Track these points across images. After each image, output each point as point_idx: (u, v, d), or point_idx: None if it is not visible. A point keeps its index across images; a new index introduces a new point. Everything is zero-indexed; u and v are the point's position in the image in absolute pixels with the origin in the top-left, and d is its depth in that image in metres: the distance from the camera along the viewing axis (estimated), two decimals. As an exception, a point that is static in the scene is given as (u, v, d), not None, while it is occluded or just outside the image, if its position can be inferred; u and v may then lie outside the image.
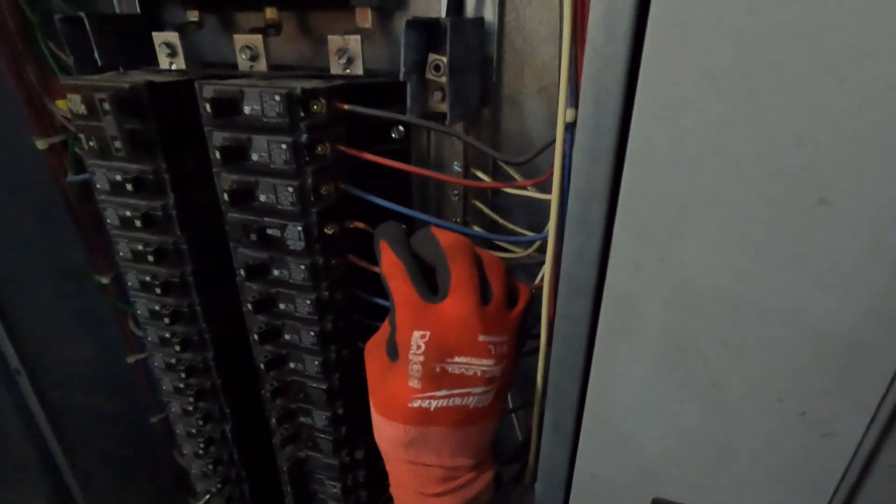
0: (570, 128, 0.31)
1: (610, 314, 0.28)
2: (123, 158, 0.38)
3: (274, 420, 0.45)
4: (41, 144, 0.51)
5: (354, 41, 0.39)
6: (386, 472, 0.38)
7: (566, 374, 0.31)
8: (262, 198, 0.36)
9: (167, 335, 0.46)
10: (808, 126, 0.21)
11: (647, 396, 0.30)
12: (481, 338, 0.32)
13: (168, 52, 0.44)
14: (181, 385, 0.48)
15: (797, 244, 0.23)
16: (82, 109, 0.37)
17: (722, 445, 0.29)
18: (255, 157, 0.35)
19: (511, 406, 0.51)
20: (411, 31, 0.35)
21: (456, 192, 0.44)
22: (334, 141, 0.36)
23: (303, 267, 0.37)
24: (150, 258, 0.41)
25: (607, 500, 0.34)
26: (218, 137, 0.35)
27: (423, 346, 0.31)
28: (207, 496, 0.56)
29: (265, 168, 0.35)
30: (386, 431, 0.34)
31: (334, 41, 0.40)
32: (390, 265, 0.33)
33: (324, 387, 0.42)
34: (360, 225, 0.39)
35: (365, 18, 0.42)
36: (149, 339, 0.47)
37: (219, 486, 0.54)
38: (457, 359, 0.32)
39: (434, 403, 0.32)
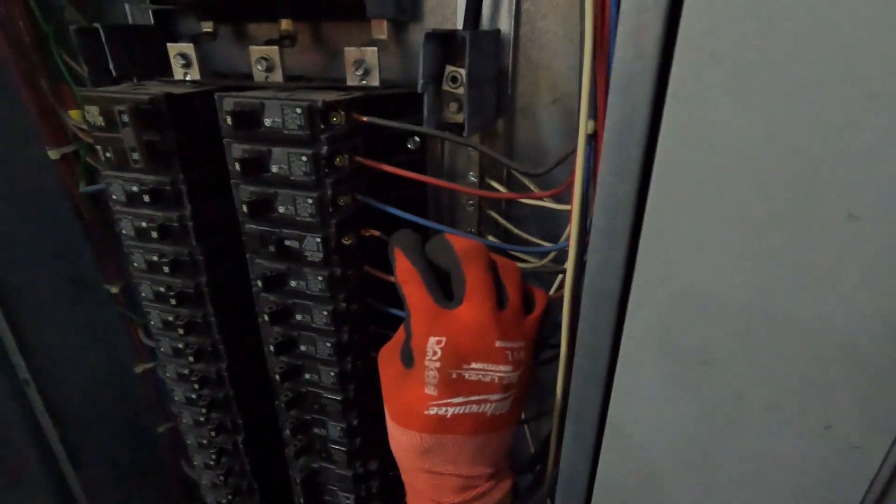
0: (590, 140, 0.31)
1: (634, 326, 0.28)
2: (141, 170, 0.38)
3: (288, 431, 0.45)
4: (53, 154, 0.51)
5: (371, 53, 0.39)
6: (401, 483, 0.38)
7: (589, 385, 0.31)
8: (281, 209, 0.36)
9: (180, 346, 0.46)
10: (838, 142, 0.21)
11: (670, 408, 0.30)
12: (498, 343, 0.32)
13: (183, 62, 0.44)
14: (193, 396, 0.48)
15: (825, 258, 0.23)
16: (100, 121, 0.38)
17: (744, 458, 0.29)
18: (274, 168, 0.35)
19: (524, 416, 0.51)
20: (430, 43, 0.35)
21: (471, 202, 0.44)
22: (352, 152, 0.36)
23: (320, 278, 0.37)
24: (166, 269, 0.41)
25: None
26: (237, 149, 0.35)
27: (439, 353, 0.31)
28: (217, 507, 0.55)
29: (284, 180, 0.35)
30: (401, 440, 0.34)
31: (351, 53, 0.40)
32: (404, 272, 0.33)
33: (339, 398, 0.42)
34: (376, 233, 0.39)
35: (381, 30, 0.42)
36: (161, 349, 0.47)
37: (229, 497, 0.53)
38: (473, 365, 0.32)
39: (451, 411, 0.32)
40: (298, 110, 0.32)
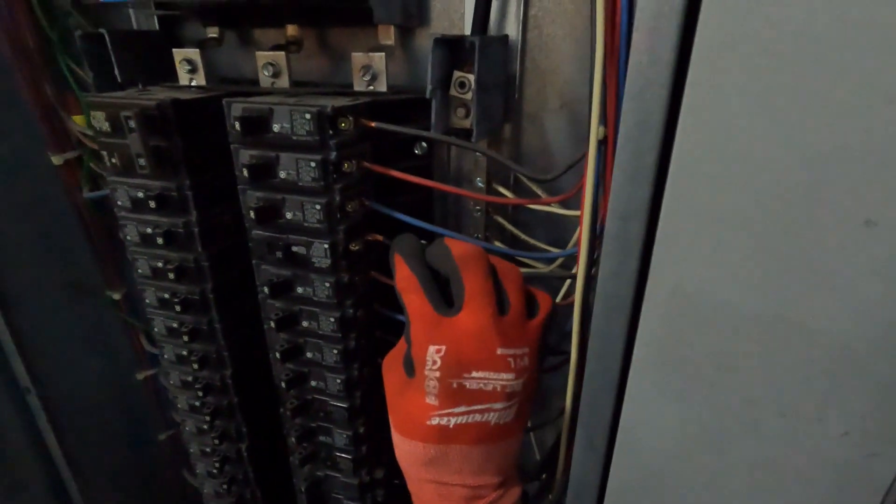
0: (599, 145, 0.31)
1: (647, 332, 0.28)
2: (147, 175, 0.37)
3: (293, 439, 0.44)
4: (56, 160, 0.50)
5: (378, 58, 0.39)
6: (407, 491, 0.38)
7: (601, 392, 0.31)
8: (289, 215, 0.35)
9: (184, 353, 0.45)
10: (856, 147, 0.21)
11: (683, 415, 0.29)
12: (500, 351, 0.31)
13: (188, 68, 0.44)
14: (197, 403, 0.47)
15: (842, 265, 0.23)
16: (106, 126, 0.37)
17: (760, 466, 0.29)
18: (282, 174, 0.34)
19: (529, 424, 0.51)
20: (438, 48, 0.35)
21: (478, 207, 0.44)
22: (360, 158, 0.36)
23: (328, 284, 0.37)
24: (171, 275, 0.40)
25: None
26: (245, 155, 0.35)
27: (438, 362, 0.31)
28: (220, 516, 0.55)
29: (292, 185, 0.34)
30: (405, 450, 0.34)
31: (358, 58, 0.40)
32: (404, 279, 0.33)
33: (345, 405, 0.42)
34: (379, 238, 0.39)
35: (388, 35, 0.42)
36: (165, 356, 0.47)
37: (232, 505, 0.53)
38: (474, 373, 0.31)
39: (453, 421, 0.32)
40: (308, 116, 0.32)
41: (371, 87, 0.40)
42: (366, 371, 0.42)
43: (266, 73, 0.42)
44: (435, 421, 0.31)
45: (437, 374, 0.31)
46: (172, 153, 0.37)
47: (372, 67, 0.40)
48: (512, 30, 0.40)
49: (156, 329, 0.45)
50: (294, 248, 0.36)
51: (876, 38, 0.20)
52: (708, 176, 0.24)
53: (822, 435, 0.27)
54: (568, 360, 0.38)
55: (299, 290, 0.38)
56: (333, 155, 0.33)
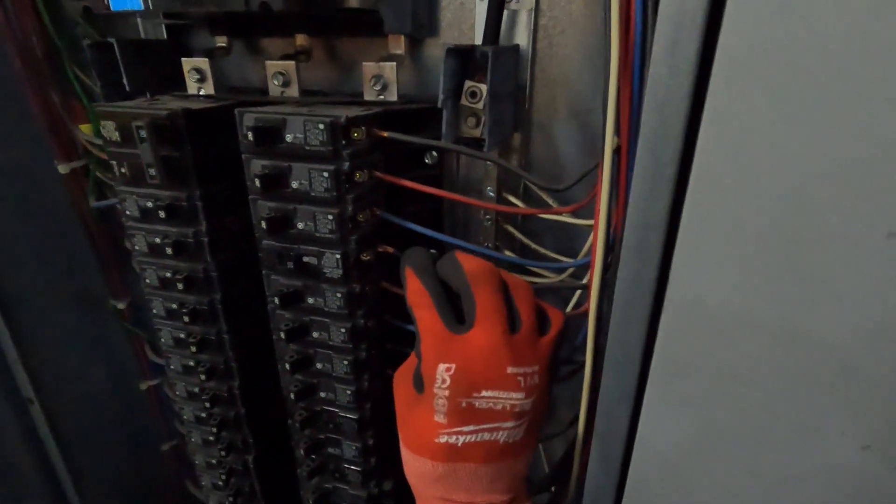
0: (612, 156, 0.31)
1: (666, 343, 0.28)
2: (157, 185, 0.37)
3: (301, 451, 0.44)
4: (63, 169, 0.50)
5: (389, 68, 0.39)
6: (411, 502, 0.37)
7: (617, 404, 0.31)
8: (300, 225, 0.35)
9: (191, 363, 0.45)
10: (880, 160, 0.21)
11: (702, 428, 0.29)
12: (510, 370, 0.31)
13: (197, 77, 0.44)
14: (203, 414, 0.47)
15: (865, 278, 0.23)
16: (116, 136, 0.37)
17: (780, 478, 0.29)
18: (294, 184, 0.34)
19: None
20: (450, 58, 0.35)
21: (488, 216, 0.44)
22: (372, 167, 0.36)
23: (339, 295, 0.37)
24: (180, 285, 0.40)
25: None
26: (257, 165, 0.34)
27: (448, 380, 0.30)
28: (225, 529, 0.54)
29: (304, 196, 0.34)
30: (414, 466, 0.33)
31: (369, 68, 0.40)
32: (415, 293, 0.32)
33: (355, 416, 0.41)
34: (390, 249, 0.39)
35: (398, 45, 0.42)
36: (171, 367, 0.46)
37: (238, 518, 0.52)
38: (484, 393, 0.31)
39: (462, 439, 0.31)
40: (321, 126, 0.32)
41: (381, 97, 0.40)
42: (376, 382, 0.41)
43: (276, 83, 0.42)
44: (443, 439, 0.31)
45: (447, 392, 0.30)
46: (183, 163, 0.37)
47: (383, 77, 0.40)
48: (522, 39, 0.40)
49: (163, 339, 0.45)
50: (305, 259, 0.36)
51: (901, 51, 0.19)
52: (729, 188, 0.24)
53: (842, 448, 0.26)
54: (577, 371, 0.38)
55: (310, 300, 0.38)
56: (346, 165, 0.33)
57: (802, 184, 0.23)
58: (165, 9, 0.33)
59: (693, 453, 0.30)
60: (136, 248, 0.41)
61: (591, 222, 0.40)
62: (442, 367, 0.30)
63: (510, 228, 0.45)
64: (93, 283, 0.57)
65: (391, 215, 0.38)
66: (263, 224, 0.35)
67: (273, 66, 0.42)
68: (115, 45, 0.42)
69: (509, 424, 0.32)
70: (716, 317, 0.26)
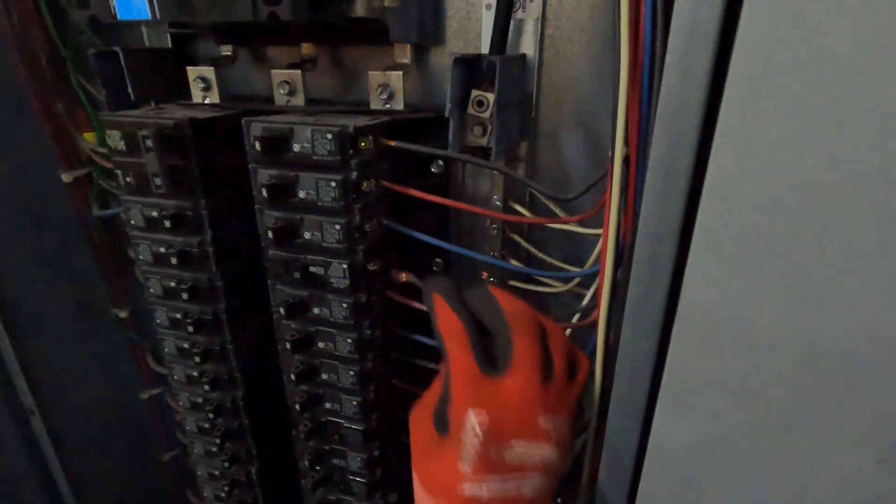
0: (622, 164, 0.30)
1: (678, 356, 0.28)
2: (162, 195, 0.37)
3: (306, 462, 0.43)
4: (66, 177, 0.50)
5: (396, 77, 0.39)
6: None
7: (628, 417, 0.31)
8: (307, 235, 0.35)
9: (195, 374, 0.44)
10: (894, 172, 0.21)
11: (716, 441, 0.29)
12: (542, 420, 0.29)
13: (203, 86, 0.44)
14: (206, 425, 0.46)
15: (879, 292, 0.23)
16: (121, 145, 0.37)
17: (795, 492, 0.28)
18: (301, 194, 0.34)
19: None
20: (458, 67, 0.35)
21: (494, 225, 0.44)
22: (379, 177, 0.36)
23: (345, 305, 0.36)
24: (184, 295, 0.40)
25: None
26: (264, 175, 0.34)
27: (478, 428, 0.28)
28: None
29: (312, 205, 0.34)
30: None
31: (376, 77, 0.40)
32: (449, 324, 0.31)
33: (361, 427, 0.41)
34: (409, 278, 0.38)
35: (404, 54, 0.42)
36: (175, 377, 0.46)
37: (240, 530, 0.52)
38: (514, 444, 0.29)
39: (487, 491, 0.29)
40: (329, 136, 0.32)
41: (388, 106, 0.40)
42: (381, 393, 0.41)
43: (282, 91, 0.42)
44: (468, 490, 0.29)
45: (475, 441, 0.28)
46: (188, 172, 0.37)
47: (389, 86, 0.40)
48: (529, 48, 0.40)
49: (166, 349, 0.45)
50: (312, 269, 0.36)
51: (918, 63, 0.19)
52: (742, 199, 0.24)
53: (858, 461, 0.26)
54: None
55: (315, 310, 0.38)
56: (354, 175, 0.33)
57: (816, 196, 0.22)
58: (172, 18, 0.33)
59: (705, 465, 0.30)
60: (141, 257, 0.41)
61: (598, 231, 0.40)
62: (472, 413, 0.28)
63: (516, 237, 0.45)
64: (95, 292, 0.57)
65: (399, 225, 0.38)
66: (270, 234, 0.35)
67: (279, 74, 0.42)
68: (121, 54, 0.42)
69: (536, 477, 0.30)
70: (728, 328, 0.26)
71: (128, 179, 0.38)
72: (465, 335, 0.30)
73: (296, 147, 0.33)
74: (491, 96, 0.36)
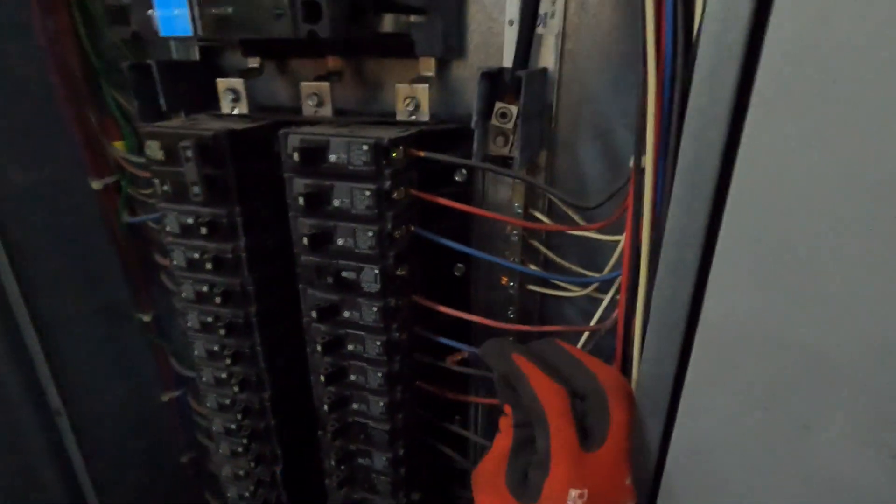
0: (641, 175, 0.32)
1: (701, 358, 0.29)
2: (200, 202, 0.38)
3: (332, 461, 0.45)
4: (96, 185, 0.51)
5: (422, 90, 0.41)
6: None
7: (651, 417, 0.32)
8: (340, 242, 0.36)
9: (224, 375, 0.46)
10: (910, 183, 0.23)
11: (738, 439, 0.30)
12: (628, 481, 0.30)
13: (232, 97, 0.46)
14: (233, 426, 0.48)
15: (891, 292, 0.24)
16: (160, 155, 0.38)
17: (815, 487, 0.30)
18: (336, 202, 0.36)
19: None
20: (484, 81, 0.37)
21: (515, 231, 0.45)
22: (408, 185, 0.37)
23: (375, 308, 0.38)
24: (217, 299, 0.41)
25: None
26: (300, 184, 0.36)
27: None
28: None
29: (346, 213, 0.36)
30: None
31: (402, 89, 0.41)
32: (549, 394, 0.30)
33: (387, 427, 0.42)
34: (464, 354, 0.41)
35: (428, 67, 0.43)
36: (203, 378, 0.47)
37: (263, 529, 0.53)
38: None
39: None
40: (365, 147, 0.33)
41: (413, 117, 0.42)
42: (407, 394, 0.42)
43: (311, 103, 0.43)
44: None
45: None
46: (225, 181, 0.38)
47: (415, 98, 0.41)
48: (549, 62, 0.42)
49: (196, 352, 0.46)
50: (344, 274, 0.37)
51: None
52: (764, 210, 0.25)
53: (873, 457, 0.27)
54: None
55: (346, 314, 0.39)
56: (387, 184, 0.35)
57: (834, 207, 0.24)
58: (214, 35, 0.35)
59: (727, 464, 0.31)
60: (175, 262, 0.42)
61: (615, 238, 0.41)
62: (574, 492, 0.28)
63: (535, 243, 0.46)
64: (120, 297, 0.58)
65: (425, 231, 0.39)
66: (305, 241, 0.36)
67: (308, 87, 0.43)
68: (154, 67, 0.44)
69: None
70: (749, 332, 0.28)
71: (165, 188, 0.39)
72: (568, 405, 0.30)
73: (332, 158, 0.34)
74: (514, 108, 0.38)
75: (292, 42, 0.47)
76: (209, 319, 0.43)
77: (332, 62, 0.46)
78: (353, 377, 0.41)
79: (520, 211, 0.44)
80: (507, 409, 0.33)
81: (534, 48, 0.42)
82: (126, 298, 0.58)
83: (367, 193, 0.34)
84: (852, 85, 0.22)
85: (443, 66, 0.45)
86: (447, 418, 0.47)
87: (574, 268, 0.46)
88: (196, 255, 0.41)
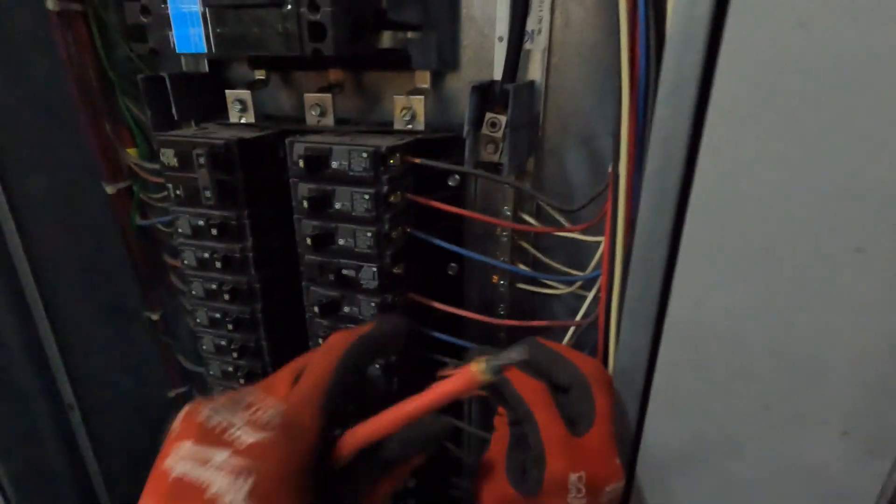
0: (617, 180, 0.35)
1: (670, 347, 0.32)
2: (211, 206, 0.41)
3: (332, 450, 0.47)
4: (110, 189, 0.54)
5: (418, 101, 0.44)
6: (438, 498, 0.39)
7: (628, 402, 0.35)
8: (341, 241, 0.39)
9: (230, 369, 0.48)
10: (850, 185, 0.25)
11: (701, 420, 0.33)
12: (617, 460, 0.32)
13: (240, 107, 0.49)
14: (239, 417, 0.50)
15: (837, 289, 0.27)
16: (174, 162, 0.41)
17: (774, 464, 0.32)
18: (337, 205, 0.38)
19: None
20: (475, 94, 0.40)
21: (505, 233, 0.48)
22: (404, 190, 0.40)
23: (373, 304, 0.41)
24: (226, 296, 0.44)
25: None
26: (304, 188, 0.39)
27: (583, 489, 0.30)
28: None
29: (346, 215, 0.38)
30: None
31: (400, 100, 0.44)
32: (530, 390, 0.32)
33: (384, 417, 0.45)
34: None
35: (424, 80, 0.46)
36: (211, 372, 0.50)
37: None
38: (607, 489, 0.31)
39: None
40: (364, 154, 0.36)
41: (410, 126, 0.45)
42: (403, 386, 0.45)
43: (314, 113, 0.46)
44: None
45: (584, 500, 0.30)
46: (234, 186, 0.41)
47: (411, 108, 0.44)
48: (536, 76, 0.45)
49: (204, 347, 0.49)
50: (344, 272, 0.40)
51: (861, 93, 0.24)
52: (721, 213, 0.28)
53: (825, 434, 0.30)
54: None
55: (346, 309, 0.42)
56: (385, 188, 0.37)
57: (784, 207, 0.27)
58: (227, 52, 0.38)
59: (695, 441, 0.34)
60: (186, 262, 0.45)
61: (598, 239, 0.44)
62: (574, 476, 0.30)
63: (524, 244, 0.49)
64: (129, 296, 0.61)
65: (420, 232, 0.42)
66: (308, 241, 0.39)
67: (311, 98, 0.46)
68: (167, 79, 0.47)
69: None
70: (713, 322, 0.30)
71: (178, 192, 0.42)
72: (549, 398, 0.32)
73: (334, 164, 0.37)
74: (503, 118, 0.41)
75: (297, 57, 0.50)
76: (217, 316, 0.46)
77: (334, 75, 0.49)
78: (352, 369, 0.44)
79: (509, 214, 0.47)
80: (501, 409, 0.36)
81: (522, 62, 0.45)
82: (135, 297, 0.61)
83: (366, 197, 0.37)
84: (797, 100, 0.25)
85: (438, 78, 0.48)
86: (443, 409, 0.50)
87: (561, 267, 0.49)
88: (206, 255, 0.44)
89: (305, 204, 0.38)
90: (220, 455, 0.24)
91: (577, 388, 0.33)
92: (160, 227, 0.56)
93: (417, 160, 0.40)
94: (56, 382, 0.56)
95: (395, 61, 0.45)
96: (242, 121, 0.49)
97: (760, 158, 0.26)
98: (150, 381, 0.66)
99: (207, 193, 0.40)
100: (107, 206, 0.56)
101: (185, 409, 0.27)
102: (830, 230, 0.26)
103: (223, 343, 0.47)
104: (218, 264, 0.43)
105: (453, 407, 0.53)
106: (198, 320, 0.47)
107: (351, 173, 0.37)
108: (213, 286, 0.45)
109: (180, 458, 0.24)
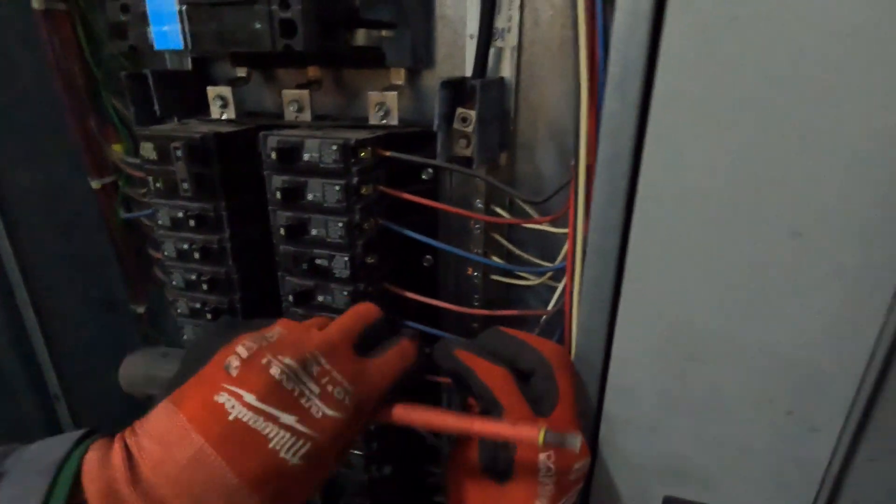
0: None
1: (624, 328, 0.33)
2: (188, 198, 0.43)
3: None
4: (95, 184, 0.55)
5: (391, 97, 0.45)
6: (415, 486, 0.41)
7: (586, 380, 0.36)
8: (314, 232, 0.41)
9: (211, 359, 0.49)
10: (786, 173, 0.27)
11: (660, 399, 0.34)
12: (581, 437, 0.33)
13: (221, 103, 0.50)
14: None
15: (776, 271, 0.29)
16: (153, 155, 0.43)
17: (723, 444, 0.34)
18: (309, 196, 0.40)
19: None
20: (444, 90, 0.41)
21: (478, 226, 0.49)
22: (376, 182, 0.42)
23: (346, 293, 0.42)
24: (204, 286, 0.45)
25: (622, 497, 0.38)
26: (277, 180, 0.40)
27: (552, 468, 0.31)
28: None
29: (318, 206, 0.40)
30: None
31: (374, 96, 0.45)
32: (492, 375, 0.33)
33: (359, 404, 0.46)
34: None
35: (399, 76, 0.48)
36: (192, 362, 0.51)
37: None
38: (575, 466, 0.32)
39: None
40: (334, 147, 0.37)
41: (384, 121, 0.46)
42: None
43: (291, 109, 0.48)
44: None
45: (554, 478, 0.31)
46: (212, 178, 0.42)
47: (385, 104, 0.45)
48: (507, 72, 0.46)
49: (185, 336, 0.50)
50: (318, 261, 0.41)
51: (795, 89, 0.25)
52: (666, 200, 0.29)
53: (772, 413, 0.32)
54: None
55: (320, 298, 0.43)
56: (355, 180, 0.39)
57: (721, 193, 0.28)
58: (203, 48, 0.39)
59: (651, 421, 0.35)
60: (166, 253, 0.46)
61: (566, 230, 0.46)
62: (542, 456, 0.31)
63: (497, 236, 0.50)
64: (115, 289, 0.62)
65: (393, 224, 0.43)
66: (282, 231, 0.40)
67: (289, 94, 0.48)
68: (150, 76, 0.48)
69: (579, 487, 0.34)
70: (665, 302, 0.32)
71: (157, 185, 0.44)
72: (513, 384, 0.33)
73: (305, 157, 0.39)
74: (473, 113, 0.42)
75: (276, 54, 0.51)
76: (197, 305, 0.47)
77: (312, 72, 0.50)
78: (328, 357, 0.45)
79: (481, 207, 0.48)
80: (471, 400, 0.37)
81: (493, 59, 0.46)
82: (120, 292, 0.62)
83: (337, 188, 0.38)
84: (729, 97, 0.26)
85: (413, 75, 0.50)
86: (418, 398, 0.51)
87: (534, 259, 0.50)
88: (185, 246, 0.45)
89: (279, 195, 0.39)
90: (289, 418, 0.27)
91: (539, 370, 0.34)
92: (144, 221, 0.57)
93: (388, 153, 0.41)
94: (43, 374, 0.57)
95: (371, 59, 0.46)
96: (224, 117, 0.51)
97: (701, 148, 0.28)
98: (136, 373, 0.67)
99: (185, 186, 0.41)
100: (93, 201, 0.57)
101: (245, 344, 0.29)
102: (769, 216, 0.28)
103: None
104: (196, 255, 0.44)
105: (431, 396, 0.54)
106: (179, 310, 0.49)
107: (322, 165, 0.38)
108: (193, 276, 0.46)
109: (242, 406, 0.26)
